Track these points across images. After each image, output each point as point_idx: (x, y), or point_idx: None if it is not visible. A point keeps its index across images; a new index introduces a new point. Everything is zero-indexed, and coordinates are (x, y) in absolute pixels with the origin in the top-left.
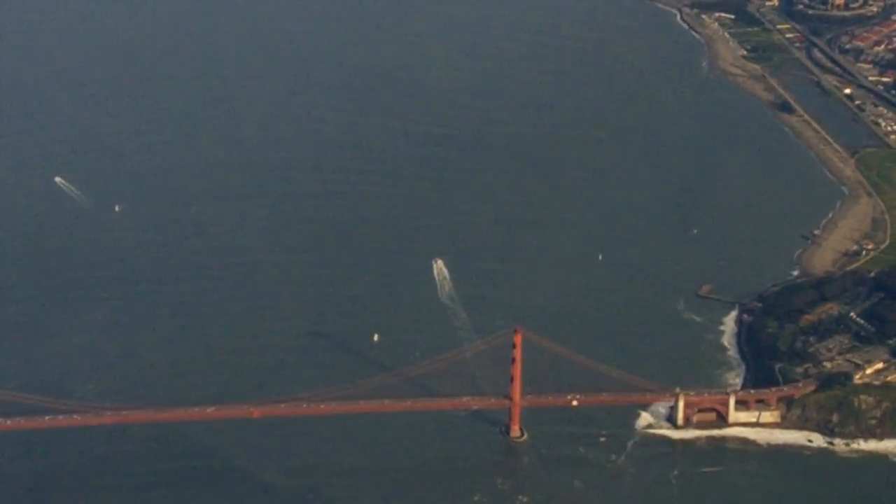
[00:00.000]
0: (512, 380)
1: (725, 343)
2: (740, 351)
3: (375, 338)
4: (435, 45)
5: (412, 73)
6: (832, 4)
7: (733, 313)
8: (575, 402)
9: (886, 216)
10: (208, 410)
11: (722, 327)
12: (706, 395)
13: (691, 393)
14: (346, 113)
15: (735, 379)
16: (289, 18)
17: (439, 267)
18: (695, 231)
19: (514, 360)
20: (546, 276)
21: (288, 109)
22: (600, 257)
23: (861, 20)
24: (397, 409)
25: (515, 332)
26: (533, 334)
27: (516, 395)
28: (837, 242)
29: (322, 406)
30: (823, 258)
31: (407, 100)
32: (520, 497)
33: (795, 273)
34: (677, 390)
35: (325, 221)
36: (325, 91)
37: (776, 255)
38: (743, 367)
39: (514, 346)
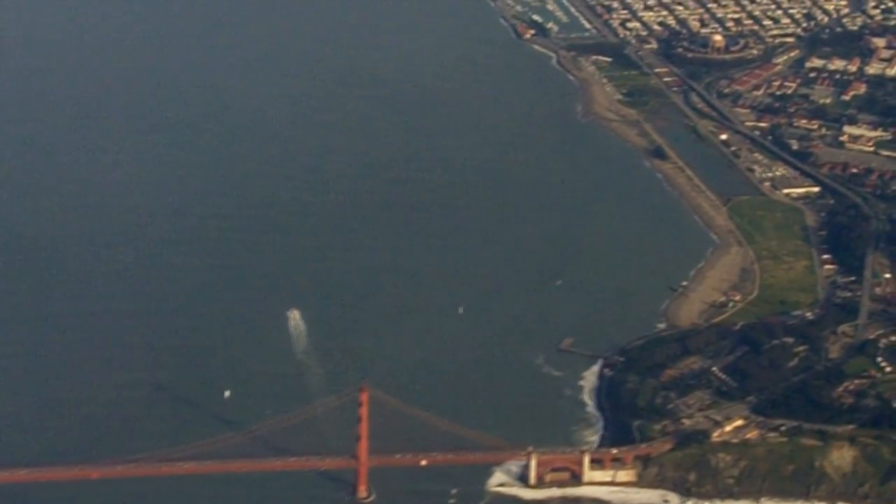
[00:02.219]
0: (359, 439)
1: (585, 399)
2: (600, 407)
3: (227, 394)
4: (311, 85)
5: (281, 114)
6: (712, 47)
7: (595, 367)
8: (424, 462)
9: (756, 266)
10: (41, 471)
11: (582, 382)
12: (559, 453)
13: (544, 451)
14: (214, 154)
15: (593, 436)
16: (170, 54)
17: (295, 317)
18: (559, 282)
19: (360, 418)
20: (406, 328)
21: (150, 150)
22: (461, 310)
23: (741, 63)
24: (242, 469)
25: (361, 389)
26: (382, 392)
27: (363, 455)
28: (705, 294)
29: (166, 466)
30: (690, 310)
31: (277, 142)
32: None
33: (662, 326)
34: (529, 448)
35: (180, 269)
36: (193, 132)
37: (643, 306)
38: (602, 423)
39: (360, 404)
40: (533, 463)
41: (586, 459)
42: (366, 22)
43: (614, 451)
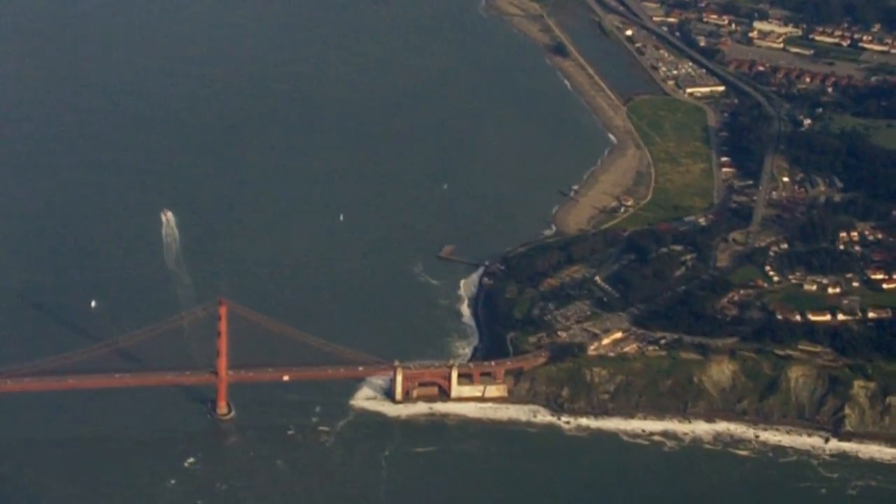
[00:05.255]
0: (218, 354)
1: (461, 309)
2: (476, 318)
3: (93, 304)
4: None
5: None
6: None
7: (475, 276)
8: (286, 378)
9: (652, 169)
10: None
11: (460, 292)
12: (427, 367)
13: (411, 366)
14: (97, 55)
15: (466, 349)
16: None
17: (168, 221)
18: (445, 186)
19: (219, 333)
20: (283, 235)
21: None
22: (342, 217)
23: None
24: (99, 385)
25: (220, 303)
26: (245, 306)
27: (222, 371)
28: (596, 199)
29: (24, 382)
30: (579, 216)
31: (168, 48)
32: (217, 484)
33: (549, 232)
34: (395, 363)
35: (51, 167)
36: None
37: (531, 212)
38: (476, 335)
39: (219, 318)
40: (399, 378)
41: (454, 374)
42: None
43: (484, 365)
